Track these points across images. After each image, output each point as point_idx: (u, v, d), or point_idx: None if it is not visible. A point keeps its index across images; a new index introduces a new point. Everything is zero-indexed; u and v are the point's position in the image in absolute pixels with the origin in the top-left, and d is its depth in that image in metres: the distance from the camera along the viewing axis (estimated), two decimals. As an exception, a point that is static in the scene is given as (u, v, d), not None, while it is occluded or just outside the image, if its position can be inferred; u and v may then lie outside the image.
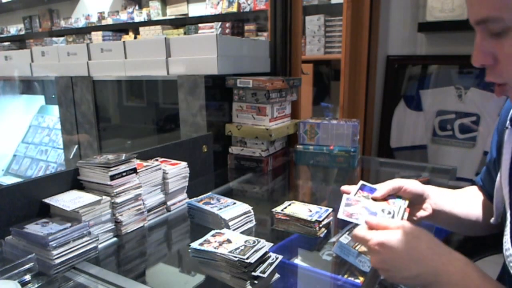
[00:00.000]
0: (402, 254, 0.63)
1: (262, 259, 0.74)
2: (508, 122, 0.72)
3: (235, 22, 3.56)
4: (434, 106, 1.97)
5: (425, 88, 1.99)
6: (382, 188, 0.81)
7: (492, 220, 0.79)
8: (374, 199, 0.80)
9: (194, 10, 3.95)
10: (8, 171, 2.59)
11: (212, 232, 0.84)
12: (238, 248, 0.75)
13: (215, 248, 0.76)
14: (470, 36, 0.70)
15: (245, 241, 0.78)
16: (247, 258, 0.71)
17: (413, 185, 0.81)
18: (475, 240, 1.00)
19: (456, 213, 0.84)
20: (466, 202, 0.87)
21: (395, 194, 0.81)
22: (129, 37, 4.26)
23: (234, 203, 1.03)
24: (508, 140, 0.71)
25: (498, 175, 0.75)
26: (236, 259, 0.71)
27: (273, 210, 0.99)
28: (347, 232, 0.83)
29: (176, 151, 1.28)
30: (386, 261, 0.64)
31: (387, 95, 2.09)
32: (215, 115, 1.52)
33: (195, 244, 0.79)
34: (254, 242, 0.77)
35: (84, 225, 0.84)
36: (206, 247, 0.77)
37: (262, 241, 0.78)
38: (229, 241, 0.79)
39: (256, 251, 0.73)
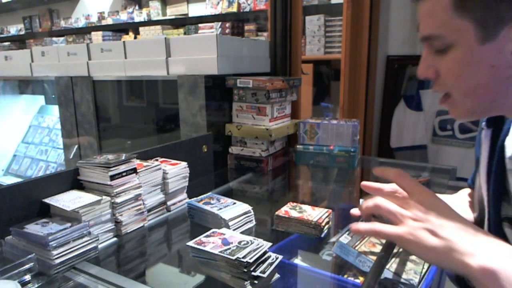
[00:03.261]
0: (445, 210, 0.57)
1: (262, 259, 0.74)
2: (483, 123, 0.74)
3: (235, 22, 3.56)
4: (434, 106, 1.97)
5: (425, 88, 1.99)
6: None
7: (475, 215, 0.80)
8: None
9: (194, 10, 3.95)
10: (8, 171, 2.59)
11: (210, 231, 0.84)
12: (237, 247, 0.75)
13: (213, 247, 0.76)
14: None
15: (244, 241, 0.78)
16: (245, 257, 0.71)
17: None
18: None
19: None
20: (460, 207, 0.87)
21: None
22: (129, 37, 4.26)
23: (234, 203, 1.03)
24: (484, 140, 0.73)
25: (477, 173, 0.77)
26: (234, 257, 0.71)
27: (276, 213, 0.99)
28: (347, 232, 0.83)
29: (176, 151, 1.28)
30: (426, 216, 0.56)
31: (387, 95, 2.10)
32: (215, 115, 1.52)
33: (190, 242, 0.79)
34: (253, 241, 0.77)
35: (84, 225, 0.84)
36: (204, 247, 0.77)
37: (261, 240, 0.78)
38: (228, 240, 0.79)
39: (254, 250, 0.73)
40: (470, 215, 0.86)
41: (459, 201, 0.91)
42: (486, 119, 0.74)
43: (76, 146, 2.01)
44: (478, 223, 0.85)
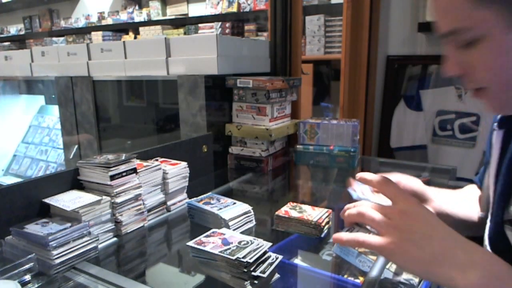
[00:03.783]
0: (427, 219, 0.56)
1: (262, 259, 0.74)
2: (495, 124, 0.73)
3: (235, 22, 3.56)
4: (434, 106, 1.97)
5: (425, 88, 1.99)
6: None
7: (479, 214, 0.79)
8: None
9: (194, 10, 3.95)
10: (8, 171, 2.59)
11: (210, 231, 0.84)
12: (237, 247, 0.75)
13: (213, 247, 0.76)
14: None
15: (244, 241, 0.78)
16: (245, 257, 0.71)
17: (411, 182, 0.79)
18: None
19: (458, 215, 0.84)
20: (468, 203, 0.87)
21: None
22: (129, 37, 4.26)
23: (234, 203, 1.03)
24: (496, 141, 0.71)
25: (486, 174, 0.76)
26: (234, 258, 0.71)
27: (276, 213, 0.99)
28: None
29: (176, 151, 1.28)
30: (406, 232, 0.55)
31: (387, 95, 2.09)
32: (215, 115, 1.52)
33: (190, 242, 0.79)
34: (253, 241, 0.77)
35: (84, 225, 0.84)
36: (204, 247, 0.77)
37: (261, 240, 0.78)
38: (228, 240, 0.79)
39: (254, 250, 0.73)
40: (476, 210, 0.85)
41: (466, 196, 0.90)
42: (499, 120, 0.72)
43: (76, 146, 2.01)
44: (482, 224, 0.84)
